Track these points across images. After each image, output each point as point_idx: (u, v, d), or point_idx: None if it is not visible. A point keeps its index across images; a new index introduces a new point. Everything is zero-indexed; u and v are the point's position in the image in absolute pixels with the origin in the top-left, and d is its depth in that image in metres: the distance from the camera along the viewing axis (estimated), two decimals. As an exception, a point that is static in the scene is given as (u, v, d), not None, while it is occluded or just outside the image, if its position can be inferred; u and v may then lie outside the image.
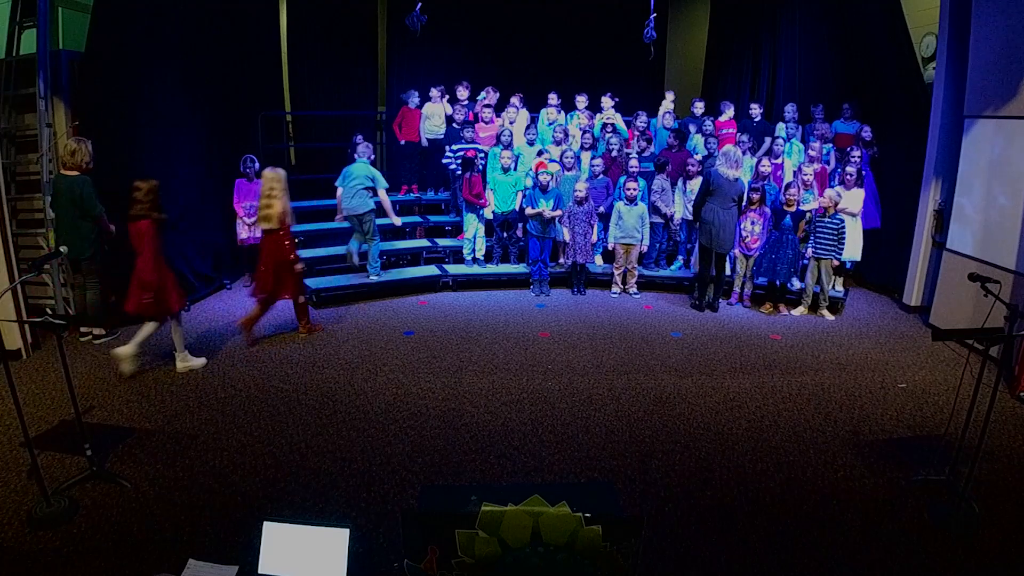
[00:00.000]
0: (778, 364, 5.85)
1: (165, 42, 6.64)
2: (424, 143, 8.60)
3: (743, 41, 10.26)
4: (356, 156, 7.26)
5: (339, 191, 7.30)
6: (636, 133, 8.29)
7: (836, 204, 6.76)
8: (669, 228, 7.92)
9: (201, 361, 5.54)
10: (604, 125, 8.46)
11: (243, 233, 7.62)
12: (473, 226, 7.93)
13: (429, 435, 4.53)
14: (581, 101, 8.74)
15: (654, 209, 7.66)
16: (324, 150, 9.03)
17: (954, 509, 3.64)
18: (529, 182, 7.79)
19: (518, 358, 5.87)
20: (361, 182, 7.10)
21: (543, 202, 7.41)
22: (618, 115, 8.50)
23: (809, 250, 6.88)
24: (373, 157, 7.44)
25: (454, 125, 8.37)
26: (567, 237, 7.43)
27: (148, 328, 5.31)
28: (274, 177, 5.83)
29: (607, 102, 8.58)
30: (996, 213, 6.00)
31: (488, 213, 7.86)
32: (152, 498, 3.74)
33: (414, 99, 8.50)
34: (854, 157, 7.19)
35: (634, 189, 7.30)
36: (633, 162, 7.52)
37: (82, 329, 6.00)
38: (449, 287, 7.87)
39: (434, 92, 8.51)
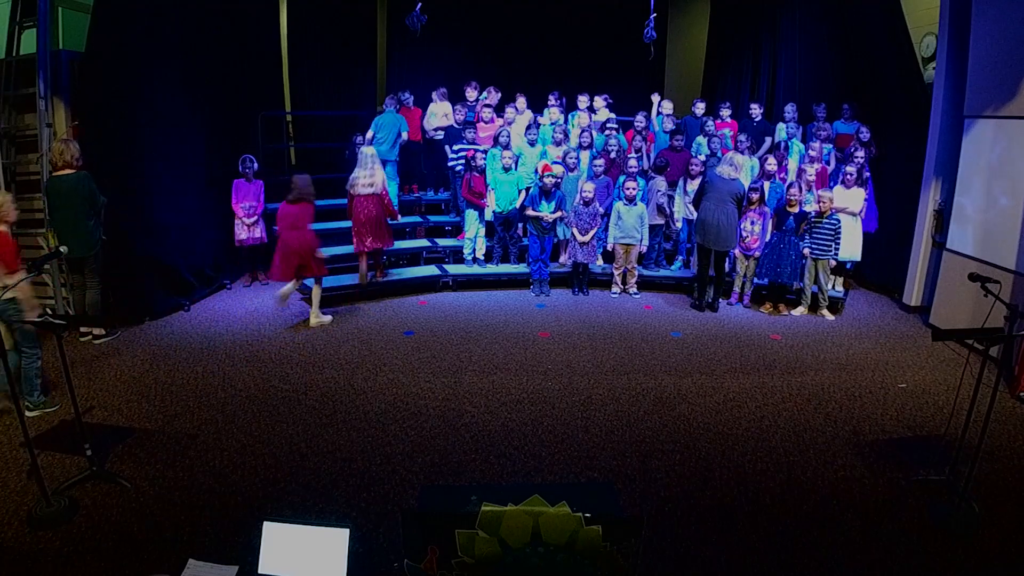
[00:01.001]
0: (778, 364, 5.85)
1: (165, 42, 6.63)
2: (431, 135, 8.60)
3: (743, 41, 10.26)
4: (385, 107, 8.26)
5: (370, 134, 8.13)
6: (635, 133, 8.29)
7: (831, 202, 6.76)
8: (668, 228, 7.93)
9: (328, 318, 6.66)
10: (604, 125, 8.46)
11: (242, 234, 7.62)
12: (474, 226, 7.93)
13: (429, 435, 4.53)
14: (583, 101, 8.74)
15: (659, 210, 7.66)
16: (324, 150, 9.03)
17: (954, 509, 3.64)
18: (530, 180, 7.80)
19: (518, 358, 5.87)
20: (394, 132, 8.10)
21: (544, 205, 7.42)
22: (611, 115, 8.53)
23: (806, 250, 6.88)
24: (398, 107, 8.33)
25: (455, 125, 8.36)
26: (580, 238, 7.43)
27: (317, 290, 6.66)
28: (375, 153, 7.21)
29: (600, 103, 8.60)
30: (996, 213, 6.00)
31: (489, 213, 7.87)
32: (152, 498, 3.74)
33: (409, 99, 8.51)
34: (857, 157, 7.20)
35: (633, 189, 7.31)
36: (632, 162, 7.54)
37: (82, 329, 6.00)
38: (449, 287, 7.87)
39: (436, 93, 8.52)
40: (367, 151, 7.14)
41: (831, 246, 6.77)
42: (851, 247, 7.18)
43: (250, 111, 8.18)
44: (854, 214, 7.11)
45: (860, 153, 7.25)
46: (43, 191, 6.06)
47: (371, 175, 7.03)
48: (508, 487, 3.90)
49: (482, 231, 7.99)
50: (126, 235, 6.30)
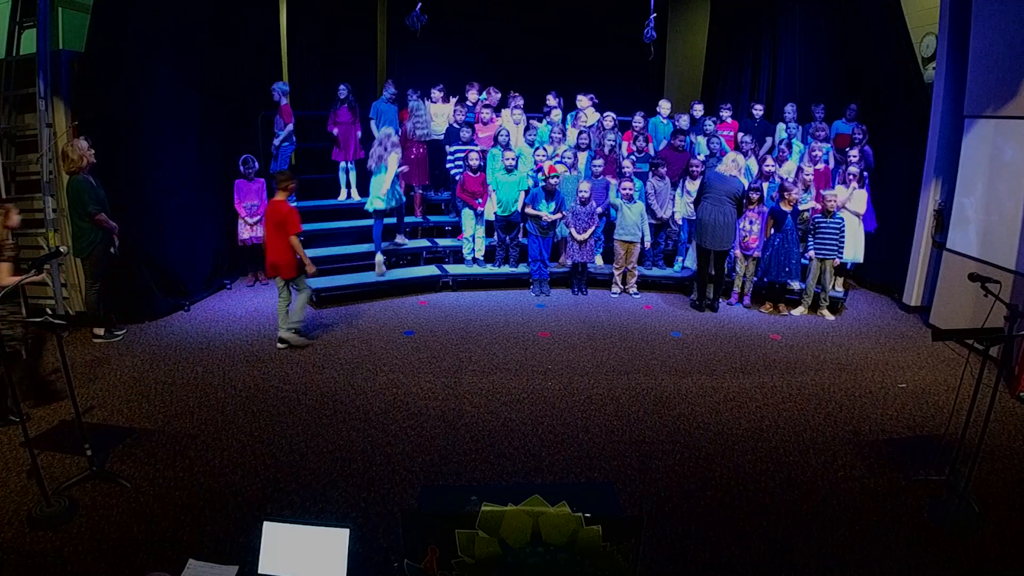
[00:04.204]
0: (778, 364, 5.85)
1: (165, 42, 6.63)
2: (433, 135, 8.62)
3: (743, 41, 10.25)
4: (386, 94, 8.43)
5: (373, 123, 8.33)
6: (633, 133, 8.29)
7: (835, 201, 6.76)
8: (668, 228, 7.93)
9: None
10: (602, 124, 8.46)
11: (244, 233, 7.61)
12: (471, 226, 7.93)
13: (429, 435, 4.53)
14: (581, 101, 8.72)
15: (649, 211, 7.67)
16: (324, 150, 9.01)
17: (954, 509, 3.64)
18: (530, 182, 7.79)
19: (518, 358, 5.87)
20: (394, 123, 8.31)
21: (544, 205, 7.42)
22: (596, 114, 8.51)
23: (811, 251, 6.88)
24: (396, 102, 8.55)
25: (454, 125, 8.36)
26: (577, 237, 7.44)
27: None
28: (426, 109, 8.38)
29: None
30: (996, 213, 6.00)
31: (490, 214, 7.87)
32: (152, 498, 3.74)
33: (413, 99, 8.51)
34: (852, 157, 7.20)
35: (630, 188, 7.33)
36: (627, 163, 7.55)
37: (93, 330, 6.05)
38: (449, 287, 7.87)
39: (436, 93, 8.51)
40: (419, 106, 8.21)
41: (837, 246, 6.77)
42: (854, 248, 7.18)
43: (250, 111, 8.17)
44: (857, 214, 7.11)
45: (854, 152, 7.25)
46: (47, 188, 6.18)
47: (426, 126, 8.17)
48: (508, 487, 3.90)
49: (480, 231, 7.99)
50: (126, 235, 6.30)
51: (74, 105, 6.30)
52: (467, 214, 7.90)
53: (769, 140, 8.39)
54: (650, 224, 7.65)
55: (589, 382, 5.41)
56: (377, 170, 7.20)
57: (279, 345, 5.93)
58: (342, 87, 8.20)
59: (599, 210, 7.63)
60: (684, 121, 8.48)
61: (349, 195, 8.53)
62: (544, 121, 8.60)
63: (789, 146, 7.86)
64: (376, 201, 7.25)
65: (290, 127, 7.96)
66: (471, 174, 7.68)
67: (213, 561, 3.05)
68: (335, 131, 8.25)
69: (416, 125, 8.17)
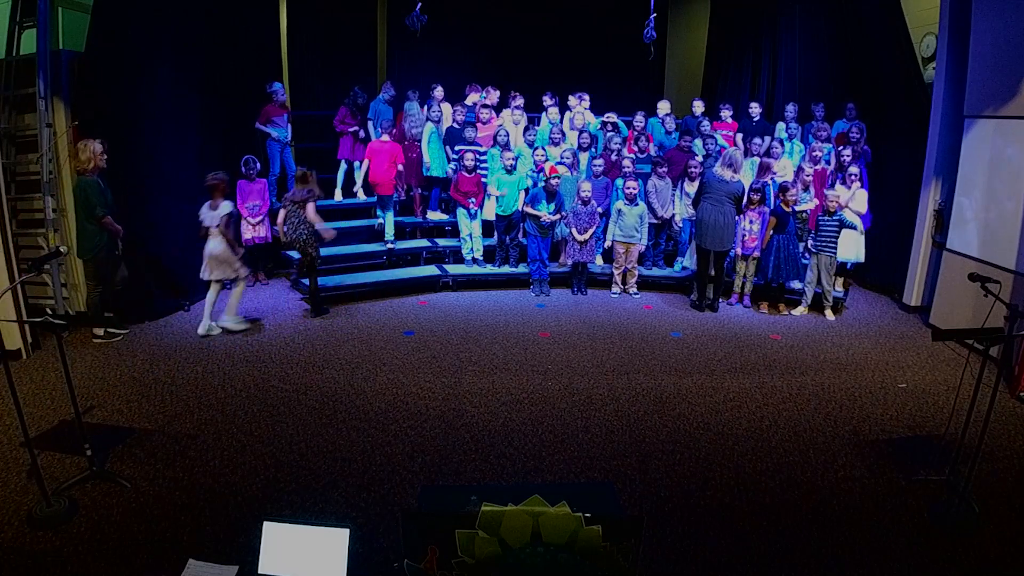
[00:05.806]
0: (778, 364, 5.85)
1: (165, 42, 6.62)
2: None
3: (743, 41, 10.26)
4: (383, 94, 8.64)
5: (371, 123, 8.59)
6: (634, 133, 8.29)
7: (837, 200, 6.76)
8: (670, 228, 7.93)
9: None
10: (604, 124, 8.47)
11: (247, 233, 7.60)
12: (466, 225, 7.93)
13: (429, 435, 4.53)
14: (572, 101, 8.72)
15: (649, 210, 7.67)
16: (324, 150, 9.03)
17: (954, 509, 3.64)
18: (530, 182, 7.80)
19: (518, 358, 5.87)
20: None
21: (544, 205, 7.43)
22: (589, 113, 8.50)
23: (808, 242, 6.86)
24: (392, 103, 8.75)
25: (455, 126, 8.35)
26: (578, 237, 7.44)
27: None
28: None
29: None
30: (996, 213, 6.00)
31: (489, 214, 7.87)
32: (152, 498, 3.74)
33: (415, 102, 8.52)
34: (845, 156, 7.20)
35: (633, 188, 7.32)
36: (627, 162, 7.55)
37: (94, 331, 6.05)
38: (449, 287, 7.87)
39: (438, 92, 8.51)
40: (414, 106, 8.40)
41: (835, 244, 6.77)
42: (855, 248, 7.17)
43: (250, 111, 8.17)
44: (859, 213, 7.10)
45: (847, 152, 7.25)
46: (47, 188, 6.17)
47: (421, 126, 8.24)
48: (508, 487, 3.90)
49: (476, 231, 7.99)
50: (126, 235, 6.29)
51: (74, 105, 6.30)
52: (461, 214, 7.91)
53: (767, 139, 8.38)
54: (651, 224, 7.65)
55: (589, 382, 5.41)
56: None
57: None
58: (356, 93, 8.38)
59: (599, 210, 7.63)
60: (670, 123, 8.49)
61: (347, 195, 8.53)
62: (545, 120, 8.59)
63: (781, 143, 7.86)
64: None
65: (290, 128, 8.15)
66: (466, 174, 7.68)
67: (213, 561, 3.05)
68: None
69: (412, 125, 8.14)
